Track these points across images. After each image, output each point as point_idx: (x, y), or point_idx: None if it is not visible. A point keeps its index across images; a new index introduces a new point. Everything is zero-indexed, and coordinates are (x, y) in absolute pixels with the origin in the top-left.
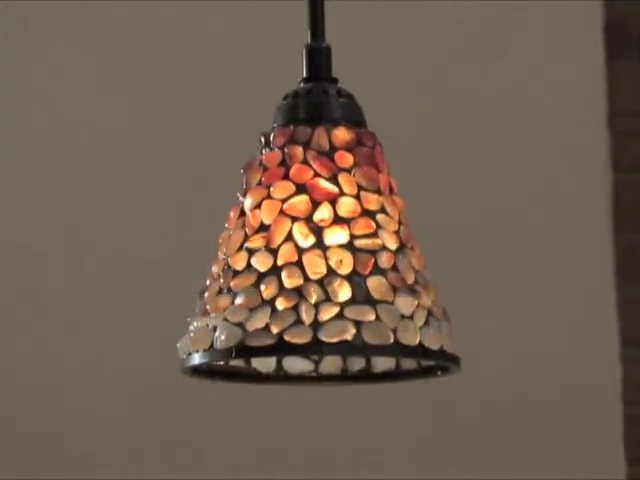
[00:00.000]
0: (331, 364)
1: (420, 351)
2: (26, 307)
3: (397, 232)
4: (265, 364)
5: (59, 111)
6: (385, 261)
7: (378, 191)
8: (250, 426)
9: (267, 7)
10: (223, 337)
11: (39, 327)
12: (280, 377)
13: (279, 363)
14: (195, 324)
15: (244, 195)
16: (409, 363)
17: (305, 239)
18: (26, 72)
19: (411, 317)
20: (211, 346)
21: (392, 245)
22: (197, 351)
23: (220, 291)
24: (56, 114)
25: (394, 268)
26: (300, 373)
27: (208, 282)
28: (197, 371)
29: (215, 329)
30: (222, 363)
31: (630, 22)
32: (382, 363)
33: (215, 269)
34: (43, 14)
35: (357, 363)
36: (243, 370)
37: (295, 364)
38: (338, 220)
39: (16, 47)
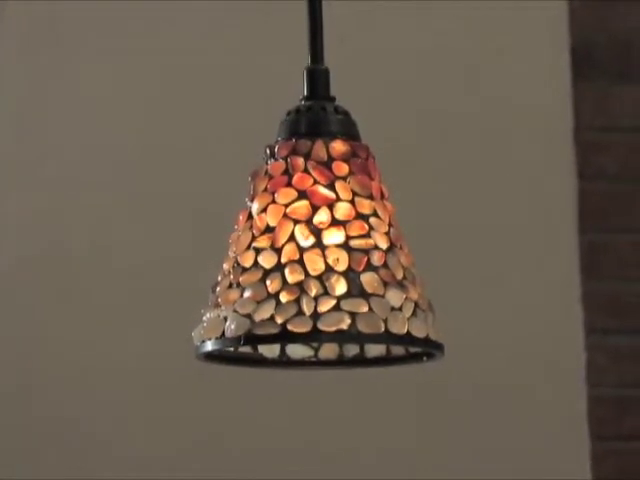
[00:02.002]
0: (329, 350)
1: (408, 339)
2: (51, 302)
3: (387, 233)
4: (270, 350)
5: (78, 117)
6: (377, 259)
7: (371, 197)
8: (259, 412)
9: (272, 36)
10: (233, 326)
11: (63, 321)
12: (283, 362)
13: (283, 349)
14: (208, 315)
15: (251, 200)
16: (398, 349)
17: (306, 239)
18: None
19: (400, 309)
20: (222, 334)
21: (383, 245)
22: (210, 339)
23: (230, 286)
24: (75, 120)
25: (385, 265)
26: (301, 358)
27: (220, 278)
28: (210, 357)
29: (226, 319)
30: (232, 349)
31: (593, 48)
32: (374, 349)
33: (226, 266)
34: (62, 20)
35: (352, 349)
36: (251, 356)
37: (297, 350)
38: (335, 223)
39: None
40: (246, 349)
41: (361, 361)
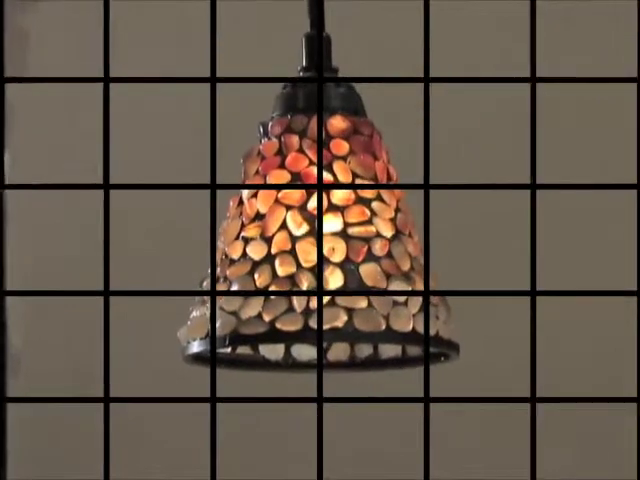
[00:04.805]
0: (339, 351)
1: (413, 337)
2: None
3: (393, 219)
4: (273, 351)
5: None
6: (379, 248)
7: (374, 179)
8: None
9: (270, 35)
10: (218, 325)
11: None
12: (288, 365)
13: (288, 350)
14: (194, 313)
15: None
16: (415, 350)
17: (298, 227)
18: None
19: (405, 303)
20: (207, 334)
21: (387, 232)
22: (194, 339)
23: (217, 279)
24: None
25: (389, 255)
26: (309, 360)
27: (209, 270)
28: (199, 359)
29: None
30: (227, 351)
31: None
32: (389, 350)
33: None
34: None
35: (365, 350)
36: (249, 358)
37: (304, 351)
38: (332, 208)
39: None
40: (244, 350)
41: (375, 363)
